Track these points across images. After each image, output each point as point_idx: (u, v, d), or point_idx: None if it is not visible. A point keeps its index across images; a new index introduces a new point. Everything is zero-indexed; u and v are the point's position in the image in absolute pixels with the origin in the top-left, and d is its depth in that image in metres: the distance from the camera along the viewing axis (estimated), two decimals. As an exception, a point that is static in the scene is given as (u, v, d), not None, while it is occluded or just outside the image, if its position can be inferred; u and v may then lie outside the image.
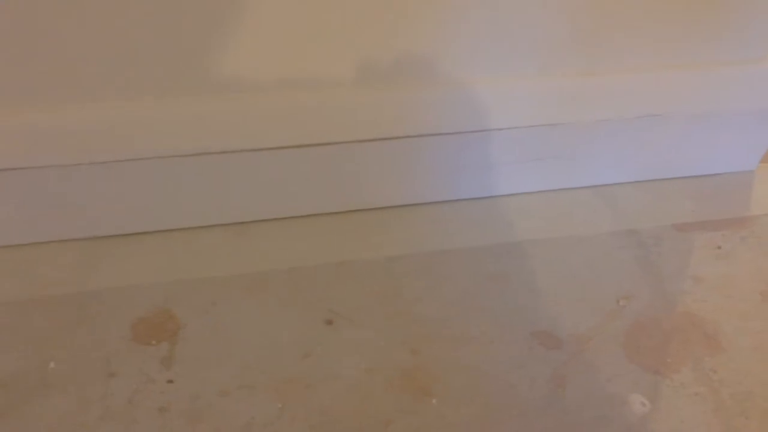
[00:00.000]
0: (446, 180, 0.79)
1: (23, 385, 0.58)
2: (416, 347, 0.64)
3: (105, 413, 0.57)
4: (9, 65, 0.61)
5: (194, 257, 0.71)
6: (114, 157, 0.67)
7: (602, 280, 0.71)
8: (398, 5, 0.65)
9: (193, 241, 0.73)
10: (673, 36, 0.73)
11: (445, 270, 0.72)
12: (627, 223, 0.78)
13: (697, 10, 0.71)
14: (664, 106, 0.78)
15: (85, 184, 0.68)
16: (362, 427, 0.57)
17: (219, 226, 0.74)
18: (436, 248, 0.74)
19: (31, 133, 0.64)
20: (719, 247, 0.75)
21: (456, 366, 0.63)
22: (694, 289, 0.70)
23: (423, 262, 0.73)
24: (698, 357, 0.64)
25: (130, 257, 0.70)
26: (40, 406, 0.57)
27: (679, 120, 0.80)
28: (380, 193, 0.78)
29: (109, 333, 0.63)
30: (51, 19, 0.59)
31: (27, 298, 0.65)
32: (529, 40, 0.70)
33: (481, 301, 0.69)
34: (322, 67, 0.69)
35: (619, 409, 0.59)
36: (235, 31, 0.64)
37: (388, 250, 0.74)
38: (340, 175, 0.75)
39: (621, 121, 0.78)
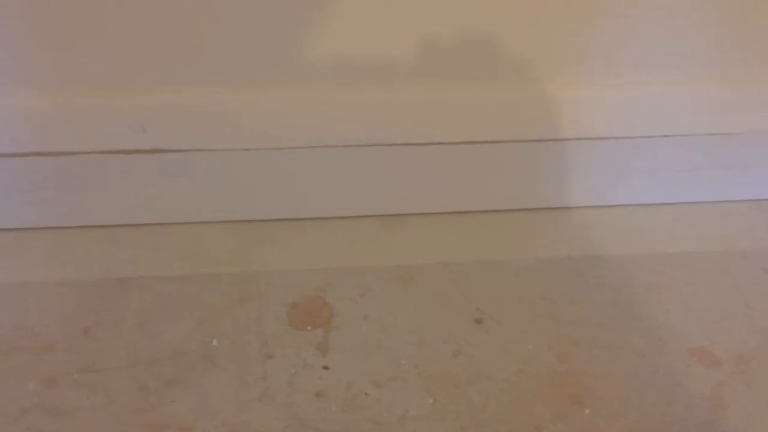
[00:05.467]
0: (598, 185, 0.77)
1: (189, 359, 0.61)
2: (566, 353, 0.64)
3: (264, 394, 0.59)
4: (202, 45, 0.64)
5: (348, 246, 0.73)
6: (284, 144, 0.69)
7: (764, 297, 0.68)
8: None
9: (348, 231, 0.74)
10: None
11: (597, 276, 0.70)
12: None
13: None
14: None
15: (255, 169, 0.70)
16: (513, 431, 0.57)
17: (373, 217, 0.75)
18: (588, 253, 0.73)
19: (215, 115, 0.67)
20: None
21: (608, 376, 0.62)
22: None
23: (573, 266, 0.71)
24: None
25: (288, 242, 0.72)
26: (205, 381, 0.60)
27: None
28: (531, 194, 0.77)
29: (267, 315, 0.65)
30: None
31: (193, 274, 0.68)
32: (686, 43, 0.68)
33: (634, 311, 0.67)
34: (487, 64, 0.68)
35: (784, 437, 0.57)
36: (408, 24, 0.65)
37: (537, 252, 0.73)
38: (493, 174, 0.75)
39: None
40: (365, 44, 0.66)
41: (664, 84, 0.72)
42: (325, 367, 0.61)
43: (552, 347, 0.64)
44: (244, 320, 0.65)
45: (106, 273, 0.68)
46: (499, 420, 0.58)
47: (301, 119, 0.69)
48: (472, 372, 0.62)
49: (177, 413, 0.57)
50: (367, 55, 0.67)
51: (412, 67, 0.68)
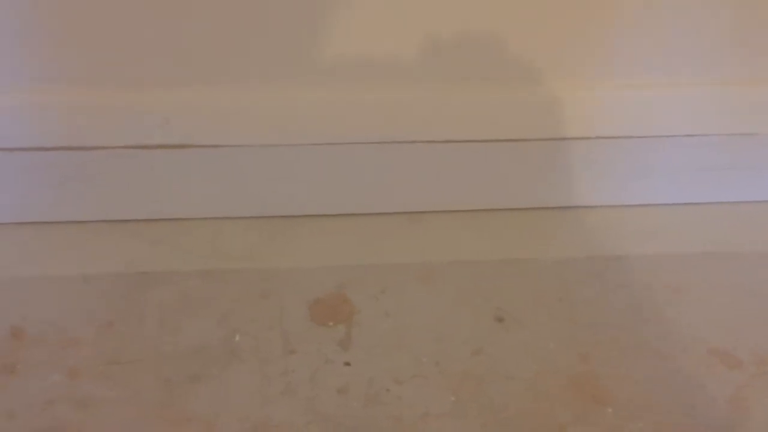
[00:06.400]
0: (618, 184, 0.77)
1: (212, 353, 0.62)
2: (587, 353, 0.64)
3: (286, 389, 0.59)
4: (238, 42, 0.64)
5: (368, 243, 0.73)
6: (305, 141, 0.69)
7: (787, 300, 0.68)
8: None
9: (368, 227, 0.74)
10: None
11: (617, 276, 0.70)
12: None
13: None
14: None
15: (276, 165, 0.70)
16: (535, 431, 0.57)
17: (393, 214, 0.76)
18: (608, 253, 0.73)
19: (238, 111, 0.67)
20: None
21: (629, 377, 0.62)
22: None
23: (594, 266, 0.71)
24: None
25: (309, 238, 0.73)
26: (228, 377, 0.60)
27: None
28: (550, 193, 0.77)
29: (288, 311, 0.66)
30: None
31: (215, 269, 0.68)
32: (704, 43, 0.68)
33: (656, 312, 0.67)
34: (508, 62, 0.68)
35: (808, 440, 0.57)
36: (432, 23, 0.65)
37: (557, 252, 0.73)
38: (513, 172, 0.75)
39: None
40: (386, 42, 0.66)
41: (686, 84, 0.72)
42: (347, 363, 0.62)
43: (573, 347, 0.64)
44: (266, 316, 0.65)
45: (129, 267, 0.68)
46: (521, 419, 0.58)
47: (322, 116, 0.69)
48: (493, 370, 0.62)
49: (200, 407, 0.58)
50: (389, 53, 0.67)
51: (433, 65, 0.68)
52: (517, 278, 0.70)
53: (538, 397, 0.60)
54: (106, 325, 0.63)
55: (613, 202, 0.78)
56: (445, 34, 0.66)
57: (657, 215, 0.77)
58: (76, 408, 0.57)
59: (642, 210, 0.78)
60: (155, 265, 0.68)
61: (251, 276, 0.68)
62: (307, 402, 0.58)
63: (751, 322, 0.66)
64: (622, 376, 0.62)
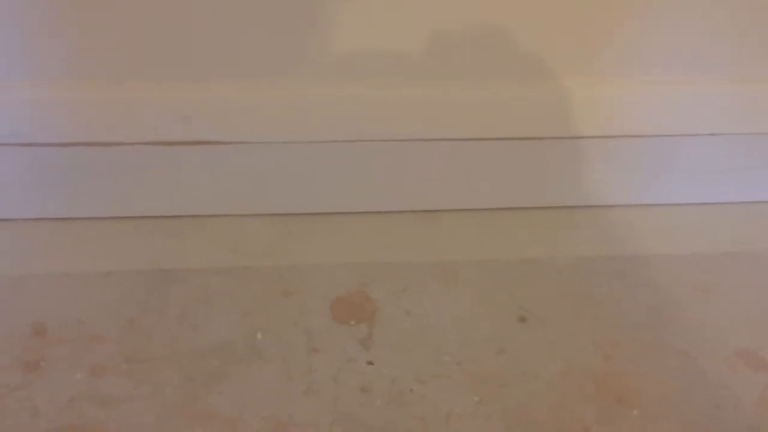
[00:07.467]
0: (639, 183, 0.77)
1: (234, 351, 0.62)
2: (610, 353, 0.63)
3: (309, 388, 0.59)
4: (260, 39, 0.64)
5: (388, 241, 0.73)
6: (325, 138, 0.69)
7: (813, 301, 0.67)
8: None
9: (387, 226, 0.74)
10: None
11: (641, 276, 0.70)
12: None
13: None
14: None
15: (296, 162, 0.70)
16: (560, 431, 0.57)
17: (412, 213, 0.75)
18: (630, 253, 0.72)
19: (259, 108, 0.67)
20: None
21: (654, 378, 0.61)
22: None
23: (616, 265, 0.71)
24: None
25: (328, 236, 0.72)
26: (250, 375, 0.60)
27: None
28: (570, 192, 0.77)
29: (310, 309, 0.65)
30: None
31: (236, 266, 0.68)
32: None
33: (680, 312, 0.67)
34: (527, 60, 0.68)
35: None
36: (449, 22, 0.65)
37: (579, 251, 0.73)
38: (532, 171, 0.75)
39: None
40: (406, 39, 0.66)
41: (708, 82, 0.71)
42: (370, 362, 0.61)
43: (596, 347, 0.63)
44: (287, 314, 0.65)
45: (150, 264, 0.68)
46: (545, 420, 0.58)
47: (341, 113, 0.69)
48: (516, 370, 0.61)
49: (223, 405, 0.57)
50: (409, 50, 0.67)
51: (455, 63, 0.68)
52: (539, 277, 0.70)
53: (562, 397, 0.59)
54: (128, 322, 0.63)
55: (635, 202, 0.78)
56: (468, 32, 0.66)
57: (680, 215, 0.77)
58: (99, 405, 0.57)
59: (664, 209, 0.78)
60: (176, 262, 0.68)
61: (272, 273, 0.68)
62: (331, 401, 0.58)
63: (777, 323, 0.66)
64: (646, 376, 0.61)
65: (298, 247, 0.71)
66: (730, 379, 0.61)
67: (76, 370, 0.59)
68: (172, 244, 0.70)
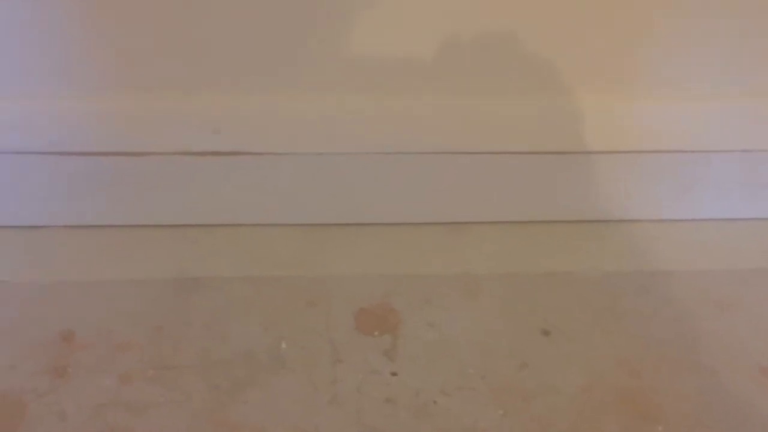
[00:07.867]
0: (665, 198, 0.76)
1: (259, 360, 0.62)
2: (635, 368, 0.63)
3: (333, 399, 0.60)
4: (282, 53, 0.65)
5: (412, 253, 0.73)
6: (352, 149, 0.69)
7: (840, 319, 0.67)
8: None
9: (412, 237, 0.74)
10: None
11: (666, 291, 0.70)
12: None
13: None
14: None
15: (323, 173, 0.71)
16: (584, 446, 0.57)
17: (436, 225, 0.76)
18: (655, 268, 0.72)
19: (288, 119, 0.68)
20: None
21: (679, 393, 0.61)
22: None
23: (642, 280, 0.71)
24: None
25: (352, 247, 0.73)
26: (275, 385, 0.60)
27: None
28: (596, 206, 0.77)
29: (334, 319, 0.66)
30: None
31: (262, 276, 0.69)
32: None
33: (703, 328, 0.66)
34: (555, 75, 0.68)
35: None
36: (479, 37, 0.65)
37: (604, 265, 0.73)
38: (558, 184, 0.75)
39: None
40: (435, 53, 0.66)
41: (738, 97, 0.71)
42: (394, 374, 0.62)
43: (621, 362, 0.63)
44: (312, 324, 0.65)
45: (178, 272, 0.69)
46: (569, 434, 0.58)
47: (369, 125, 0.69)
48: (540, 384, 0.61)
49: (249, 414, 0.58)
50: (436, 64, 0.67)
51: (483, 77, 0.68)
52: (563, 291, 0.70)
53: (586, 412, 0.59)
54: (156, 329, 0.64)
55: (660, 217, 0.77)
56: (498, 48, 0.66)
57: (705, 230, 0.76)
58: (126, 412, 0.57)
59: (689, 224, 0.77)
60: (203, 271, 0.69)
61: (298, 283, 0.69)
62: (355, 412, 0.59)
63: (803, 340, 0.65)
64: (671, 392, 0.61)
65: (325, 258, 0.72)
66: (754, 395, 0.61)
67: (105, 376, 0.60)
68: (200, 252, 0.71)
